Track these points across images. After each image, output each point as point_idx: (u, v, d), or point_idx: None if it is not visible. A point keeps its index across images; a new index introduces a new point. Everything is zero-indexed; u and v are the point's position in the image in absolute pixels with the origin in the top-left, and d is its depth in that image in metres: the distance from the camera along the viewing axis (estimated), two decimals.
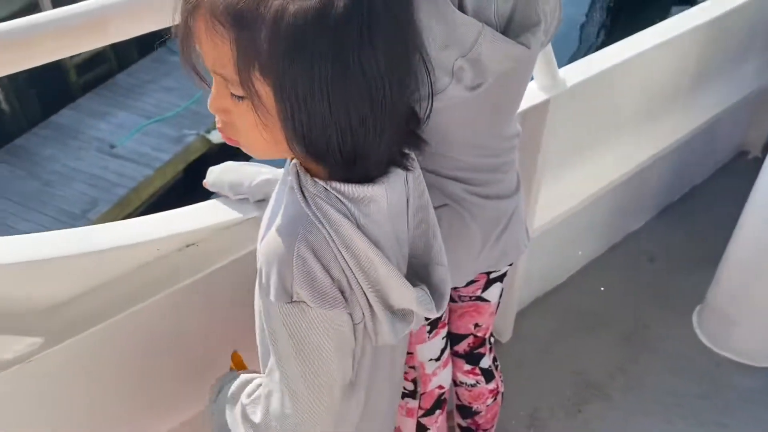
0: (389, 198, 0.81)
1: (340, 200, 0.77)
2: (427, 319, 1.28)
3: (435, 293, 0.88)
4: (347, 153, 0.74)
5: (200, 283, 1.28)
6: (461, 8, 0.94)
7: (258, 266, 0.83)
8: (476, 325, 1.45)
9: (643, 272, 2.52)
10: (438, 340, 1.39)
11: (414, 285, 0.85)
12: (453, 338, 1.48)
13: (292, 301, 0.77)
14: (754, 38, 2.54)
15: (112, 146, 8.18)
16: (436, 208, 1.13)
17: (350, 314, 0.82)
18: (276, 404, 0.84)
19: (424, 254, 0.91)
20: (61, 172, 7.88)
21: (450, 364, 1.48)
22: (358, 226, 0.78)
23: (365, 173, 0.78)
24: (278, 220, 0.81)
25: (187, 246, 1.25)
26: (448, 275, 0.92)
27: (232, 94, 0.73)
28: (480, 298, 1.39)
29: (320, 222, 0.77)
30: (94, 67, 9.05)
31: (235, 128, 0.77)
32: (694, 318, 2.31)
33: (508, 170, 1.22)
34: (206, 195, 1.47)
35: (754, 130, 2.94)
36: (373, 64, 0.70)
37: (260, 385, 0.92)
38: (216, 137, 8.37)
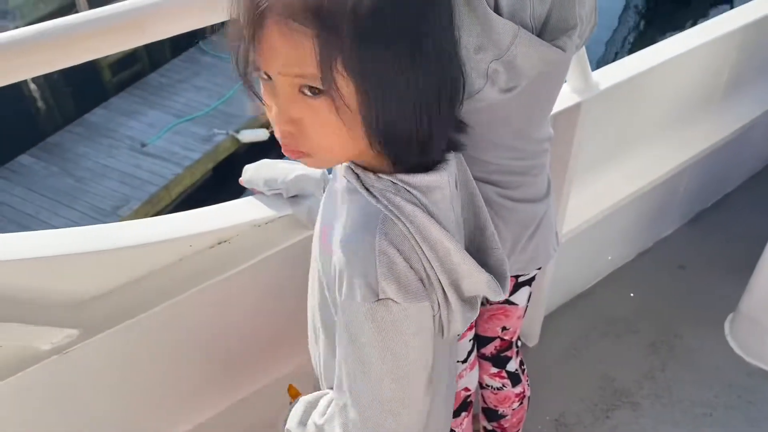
0: (451, 184, 0.81)
1: (409, 191, 0.77)
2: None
3: (497, 276, 0.86)
4: (423, 137, 0.74)
5: (232, 279, 1.30)
6: (497, 10, 0.94)
7: (335, 275, 0.80)
8: (504, 329, 1.44)
9: (673, 279, 2.48)
10: (465, 342, 1.38)
11: None
12: (480, 341, 1.47)
13: (378, 299, 0.75)
14: None
15: (143, 144, 8.32)
16: None
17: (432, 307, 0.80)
18: (354, 415, 0.80)
19: (479, 239, 0.90)
20: (93, 170, 8.03)
21: (476, 367, 1.48)
22: (431, 215, 0.77)
23: (431, 159, 0.79)
24: (347, 224, 0.79)
25: (220, 243, 1.27)
26: (505, 257, 0.90)
27: (308, 91, 0.70)
28: (508, 302, 1.39)
29: (395, 215, 0.76)
30: (127, 67, 9.21)
31: (307, 136, 0.74)
32: (726, 327, 2.27)
33: (539, 173, 1.22)
34: (235, 194, 1.49)
35: None
36: (443, 43, 0.72)
37: (330, 401, 0.89)
38: (245, 137, 8.46)
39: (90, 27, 1.04)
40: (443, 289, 0.80)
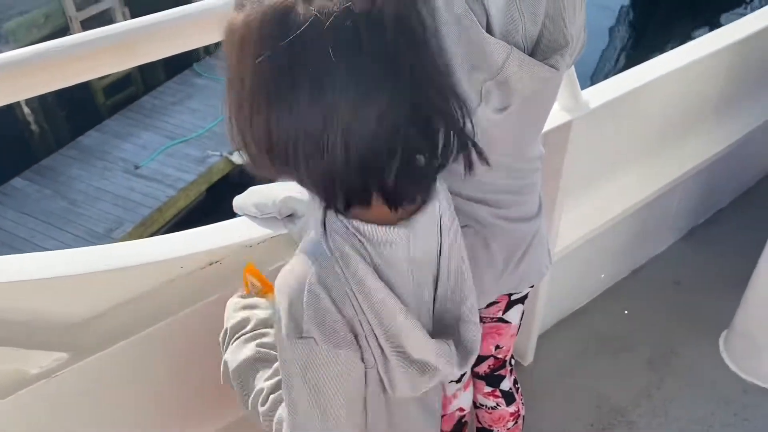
0: (413, 244, 0.79)
1: (358, 239, 0.76)
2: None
3: (462, 349, 0.86)
4: (353, 185, 0.73)
5: (224, 300, 1.29)
6: (489, 31, 0.95)
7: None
8: (497, 347, 1.44)
9: (667, 296, 2.48)
10: None
11: (439, 338, 0.83)
12: None
13: (302, 337, 0.76)
14: None
15: (137, 167, 8.31)
16: None
17: (362, 358, 0.80)
18: (289, 423, 0.84)
19: (455, 309, 0.89)
20: (86, 192, 8.02)
21: (471, 387, 1.47)
22: (374, 267, 0.77)
23: (387, 209, 0.77)
24: (296, 255, 0.80)
25: (211, 264, 1.26)
26: (479, 334, 0.90)
27: None
28: (501, 320, 1.39)
29: (335, 259, 0.76)
30: (121, 89, 9.23)
31: None
32: (721, 343, 2.27)
33: (531, 192, 1.22)
34: (230, 215, 1.49)
35: None
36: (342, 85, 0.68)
37: (274, 374, 0.94)
38: (240, 158, 8.45)
39: (82, 49, 1.04)
40: (380, 344, 0.79)
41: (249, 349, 0.99)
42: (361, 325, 0.78)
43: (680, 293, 2.49)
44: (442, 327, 0.88)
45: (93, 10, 8.43)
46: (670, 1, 10.91)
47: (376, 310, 0.78)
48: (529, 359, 2.20)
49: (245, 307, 1.07)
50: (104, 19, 8.59)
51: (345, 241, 0.76)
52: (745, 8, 10.63)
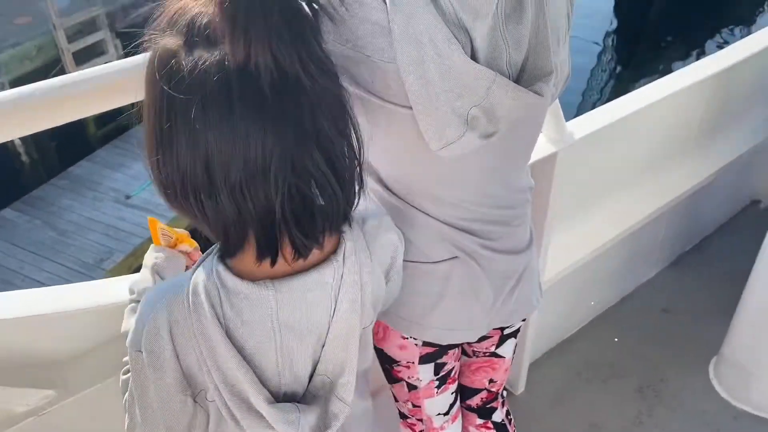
0: (283, 306, 0.78)
1: (217, 286, 0.76)
2: (436, 373, 1.29)
3: (323, 420, 0.84)
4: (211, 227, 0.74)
5: None
6: (473, 58, 0.96)
7: None
8: (491, 381, 1.44)
9: (657, 323, 2.49)
10: (447, 395, 1.37)
11: (312, 402, 0.82)
12: (466, 392, 1.46)
13: (137, 350, 0.79)
14: (760, 89, 2.57)
15: (128, 197, 8.30)
16: (445, 260, 1.13)
17: (192, 393, 0.82)
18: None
19: (333, 379, 0.86)
20: (77, 222, 7.99)
21: (459, 419, 1.46)
22: (225, 319, 0.76)
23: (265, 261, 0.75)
24: (188, 272, 0.81)
25: None
26: (344, 414, 0.86)
27: None
28: (494, 354, 1.39)
29: (189, 298, 0.76)
30: (112, 119, 9.24)
31: None
32: (711, 370, 2.27)
33: (521, 224, 1.23)
34: None
35: (765, 179, 2.94)
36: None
37: None
38: None
39: (76, 89, 1.05)
40: (221, 392, 0.80)
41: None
42: (205, 368, 0.79)
43: (669, 320, 2.51)
44: (315, 394, 0.86)
45: (84, 42, 8.48)
46: (652, 34, 11.12)
47: (217, 362, 0.77)
48: (520, 388, 2.20)
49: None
50: (96, 51, 8.64)
51: (204, 285, 0.76)
52: (720, 46, 10.87)
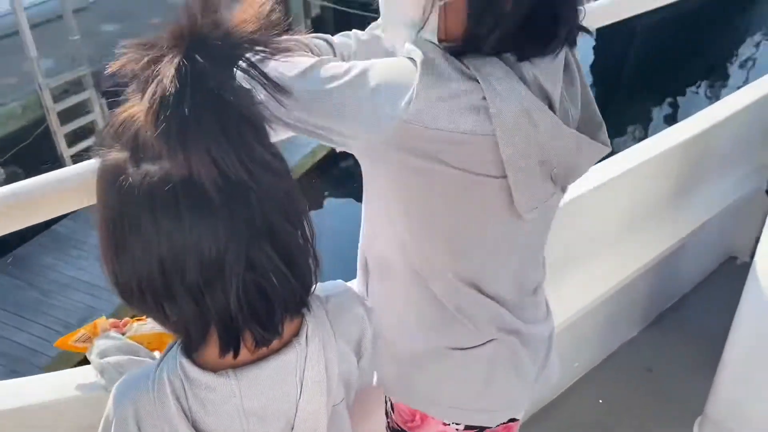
0: (248, 394, 0.78)
1: (181, 378, 0.77)
2: None
3: None
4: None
5: None
6: None
7: None
8: None
9: (641, 382, 2.50)
10: None
11: None
12: None
13: None
14: (732, 151, 2.66)
15: None
16: (483, 344, 1.11)
17: None
18: None
19: None
20: (60, 282, 7.88)
21: None
22: (189, 408, 0.77)
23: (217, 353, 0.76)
24: (155, 362, 0.81)
25: None
26: None
27: None
28: (512, 419, 1.35)
29: (154, 393, 0.77)
30: None
31: None
32: (696, 429, 2.27)
33: (542, 292, 1.23)
34: None
35: (741, 236, 2.98)
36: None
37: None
38: None
39: (28, 195, 1.07)
40: None
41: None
42: None
43: (653, 379, 2.52)
44: None
45: (70, 102, 8.53)
46: (626, 88, 11.41)
47: None
48: None
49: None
50: (81, 110, 8.68)
51: (168, 377, 0.77)
52: (696, 89, 11.17)
